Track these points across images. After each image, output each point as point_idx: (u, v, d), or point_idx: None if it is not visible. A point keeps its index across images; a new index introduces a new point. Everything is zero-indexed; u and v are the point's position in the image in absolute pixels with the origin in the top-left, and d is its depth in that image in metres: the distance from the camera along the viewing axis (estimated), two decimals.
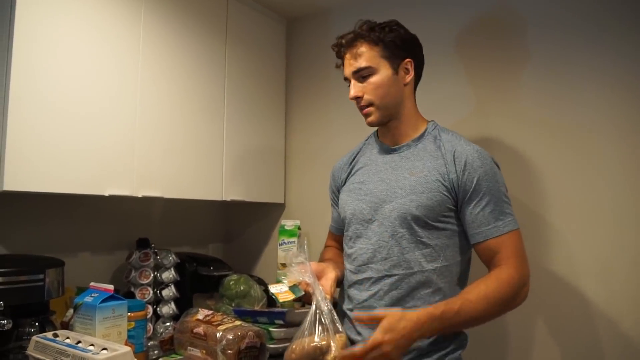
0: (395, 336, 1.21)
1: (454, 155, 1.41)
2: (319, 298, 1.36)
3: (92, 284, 1.61)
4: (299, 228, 2.37)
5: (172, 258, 2.04)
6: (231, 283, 2.18)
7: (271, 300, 2.35)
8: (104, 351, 1.31)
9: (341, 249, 1.70)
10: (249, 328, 1.63)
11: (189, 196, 2.04)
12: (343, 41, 1.51)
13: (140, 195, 1.82)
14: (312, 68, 2.55)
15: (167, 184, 1.93)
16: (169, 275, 2.01)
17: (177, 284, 2.03)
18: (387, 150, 1.56)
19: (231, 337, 1.56)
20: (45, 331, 1.54)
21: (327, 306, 1.34)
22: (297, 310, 2.02)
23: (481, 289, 1.31)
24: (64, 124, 1.60)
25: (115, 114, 1.74)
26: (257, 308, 2.16)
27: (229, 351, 1.55)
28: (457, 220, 1.43)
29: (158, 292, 1.99)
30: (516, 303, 1.35)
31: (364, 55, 1.46)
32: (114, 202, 2.12)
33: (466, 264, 1.49)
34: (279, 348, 1.84)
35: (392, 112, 1.50)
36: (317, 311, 1.34)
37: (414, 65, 1.51)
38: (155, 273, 2.01)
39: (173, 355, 1.70)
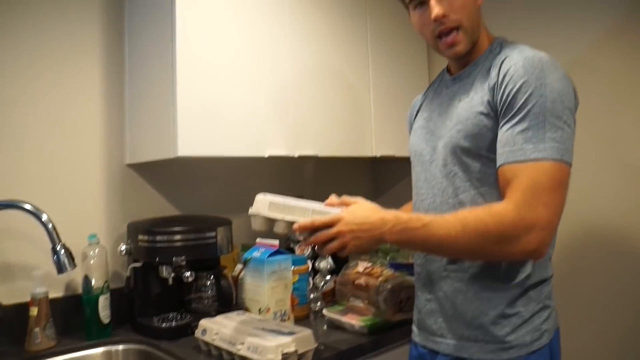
0: (357, 221, 1.12)
1: (499, 67, 1.15)
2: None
3: (258, 240, 1.71)
4: None
5: None
6: None
7: None
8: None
9: None
10: (408, 280, 1.65)
11: (341, 153, 2.08)
12: None
13: (296, 155, 1.88)
14: None
15: (320, 143, 1.98)
16: None
17: None
18: (450, 80, 1.32)
19: (391, 288, 1.59)
20: (220, 285, 1.67)
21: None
22: None
23: (464, 213, 1.11)
24: (224, 93, 1.69)
25: (268, 79, 1.81)
26: (411, 261, 2.17)
27: (390, 301, 1.58)
28: None
29: (315, 247, 2.06)
30: (509, 249, 1.06)
31: None
32: (269, 163, 2.22)
33: None
34: None
35: (475, 37, 1.23)
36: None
37: None
38: None
39: (335, 306, 1.76)
